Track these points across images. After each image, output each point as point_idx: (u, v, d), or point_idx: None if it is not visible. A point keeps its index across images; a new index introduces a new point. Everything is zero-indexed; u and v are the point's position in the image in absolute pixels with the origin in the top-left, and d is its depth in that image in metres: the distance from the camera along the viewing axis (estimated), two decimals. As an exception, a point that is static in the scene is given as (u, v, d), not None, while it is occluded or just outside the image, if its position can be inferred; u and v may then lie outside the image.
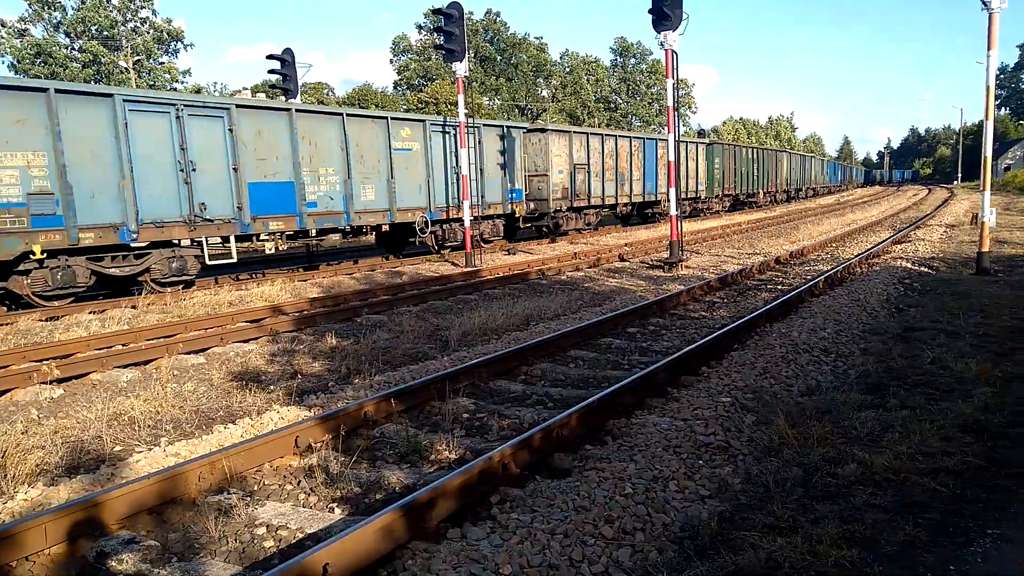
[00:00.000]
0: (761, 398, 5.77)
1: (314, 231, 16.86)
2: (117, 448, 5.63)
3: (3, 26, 48.89)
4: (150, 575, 3.70)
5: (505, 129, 22.28)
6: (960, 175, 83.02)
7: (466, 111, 17.72)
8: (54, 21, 50.65)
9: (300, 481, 4.82)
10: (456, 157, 19.72)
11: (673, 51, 14.95)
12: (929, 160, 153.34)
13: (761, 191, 44.74)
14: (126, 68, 49.80)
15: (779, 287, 12.32)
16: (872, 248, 16.93)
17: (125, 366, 8.37)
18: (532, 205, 23.82)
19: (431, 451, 5.20)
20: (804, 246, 18.26)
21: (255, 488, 4.75)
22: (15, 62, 48.18)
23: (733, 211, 39.51)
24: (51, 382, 7.57)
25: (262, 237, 15.55)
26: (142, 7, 53.17)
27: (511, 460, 4.49)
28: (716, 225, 27.71)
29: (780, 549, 3.42)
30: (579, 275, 15.10)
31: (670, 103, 15.55)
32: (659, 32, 14.88)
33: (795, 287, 11.70)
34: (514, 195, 22.58)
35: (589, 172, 25.87)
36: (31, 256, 12.03)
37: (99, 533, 4.03)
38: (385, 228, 18.33)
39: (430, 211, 19.36)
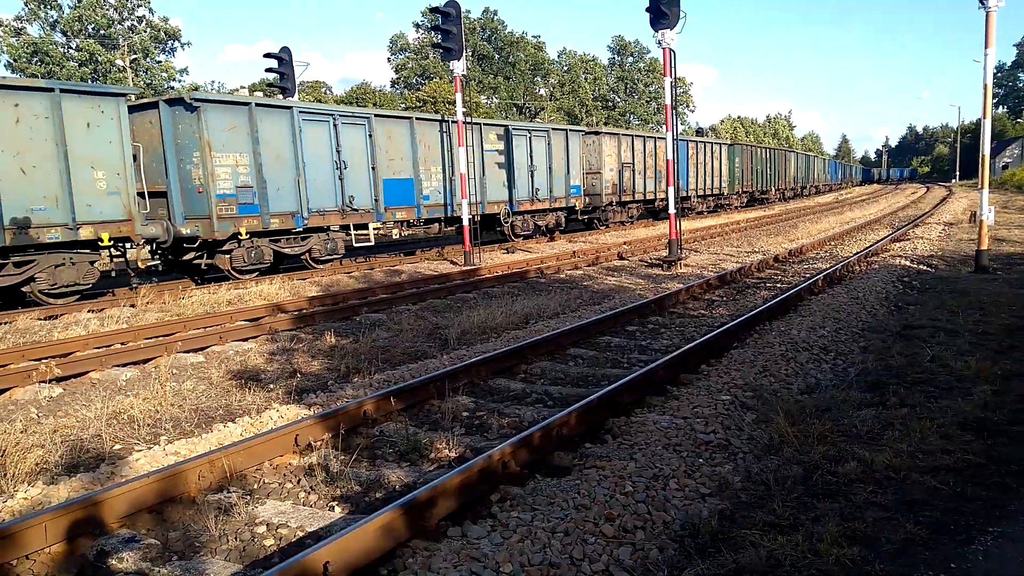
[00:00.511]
0: (761, 396, 5.77)
1: (423, 219, 20.41)
2: (117, 447, 5.62)
3: (0, 25, 48.80)
4: (151, 574, 3.69)
5: (568, 133, 25.07)
6: (958, 173, 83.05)
7: (465, 110, 17.73)
8: (51, 20, 50.57)
9: (300, 480, 4.81)
10: (531, 158, 23.05)
11: (671, 50, 14.95)
12: (927, 158, 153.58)
13: (773, 188, 48.10)
14: (123, 67, 49.70)
15: (778, 285, 12.33)
16: (871, 246, 16.94)
17: (124, 365, 8.36)
18: (588, 199, 26.57)
19: (431, 449, 5.20)
20: (803, 244, 18.27)
21: (255, 486, 4.74)
22: (11, 61, 48.10)
23: (748, 207, 41.52)
24: (50, 381, 7.56)
25: (389, 224, 19.82)
26: (139, 5, 53.15)
27: (511, 458, 4.49)
28: (715, 224, 27.74)
29: (781, 547, 3.42)
30: (578, 273, 15.10)
31: (668, 102, 15.56)
32: (657, 31, 14.87)
33: (794, 285, 11.71)
34: (574, 191, 25.44)
35: (634, 170, 28.94)
36: (238, 237, 15.00)
37: (99, 532, 4.03)
38: (477, 219, 20.03)
39: (511, 204, 22.26)
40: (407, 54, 73.08)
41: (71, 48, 50.76)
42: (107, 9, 51.51)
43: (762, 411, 5.41)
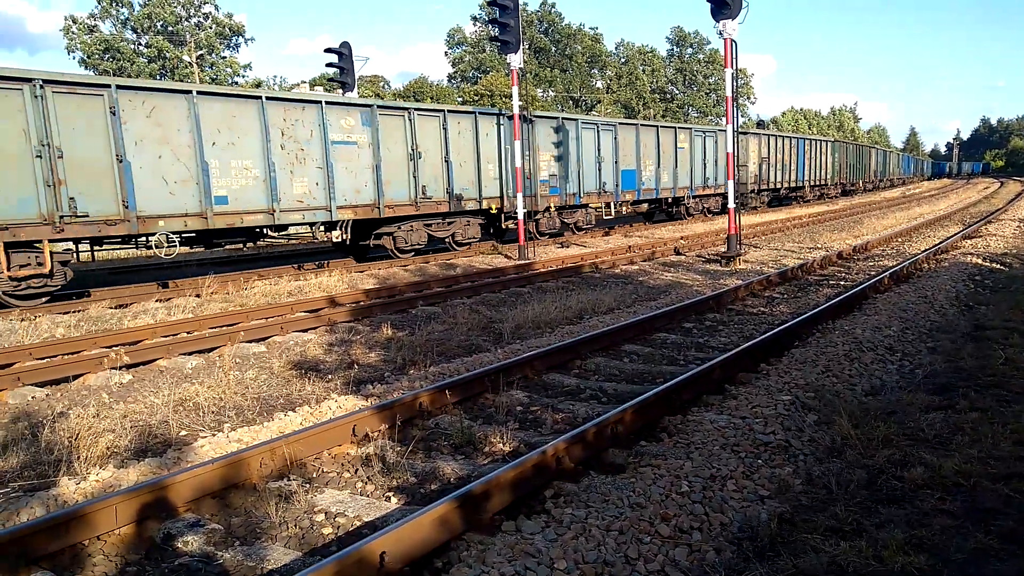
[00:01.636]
0: (823, 397, 5.62)
1: (641, 200, 26.28)
2: (183, 433, 5.81)
3: (74, 22, 50.77)
4: (214, 557, 3.81)
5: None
6: (1035, 167, 79.43)
7: (521, 103, 17.72)
8: (122, 17, 52.38)
9: (357, 470, 4.89)
10: (716, 152, 29.66)
11: (732, 40, 14.64)
12: (1001, 152, 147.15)
13: (860, 181, 54.67)
14: (189, 63, 51.22)
15: (842, 283, 11.99)
16: (940, 243, 16.34)
17: (190, 353, 8.63)
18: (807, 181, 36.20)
19: (485, 443, 5.22)
20: (868, 240, 17.71)
21: (314, 475, 4.84)
22: (85, 57, 50.00)
23: (842, 196, 46.26)
24: (121, 368, 7.86)
25: (621, 203, 25.28)
26: (205, 2, 54.63)
27: (565, 454, 4.48)
28: (776, 219, 27.15)
29: (843, 553, 3.33)
30: (633, 268, 14.97)
31: (729, 94, 15.25)
32: (718, 21, 14.56)
33: (859, 283, 11.38)
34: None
35: (770, 164, 34.73)
36: (549, 210, 21.55)
37: (166, 515, 4.17)
38: (670, 199, 27.35)
39: (691, 189, 28.51)
40: (464, 48, 73.39)
41: (141, 45, 52.50)
42: (175, 6, 53.10)
43: (824, 412, 5.27)
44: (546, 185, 21.13)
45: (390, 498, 4.45)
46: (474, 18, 72.55)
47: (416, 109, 17.88)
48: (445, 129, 18.10)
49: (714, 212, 30.21)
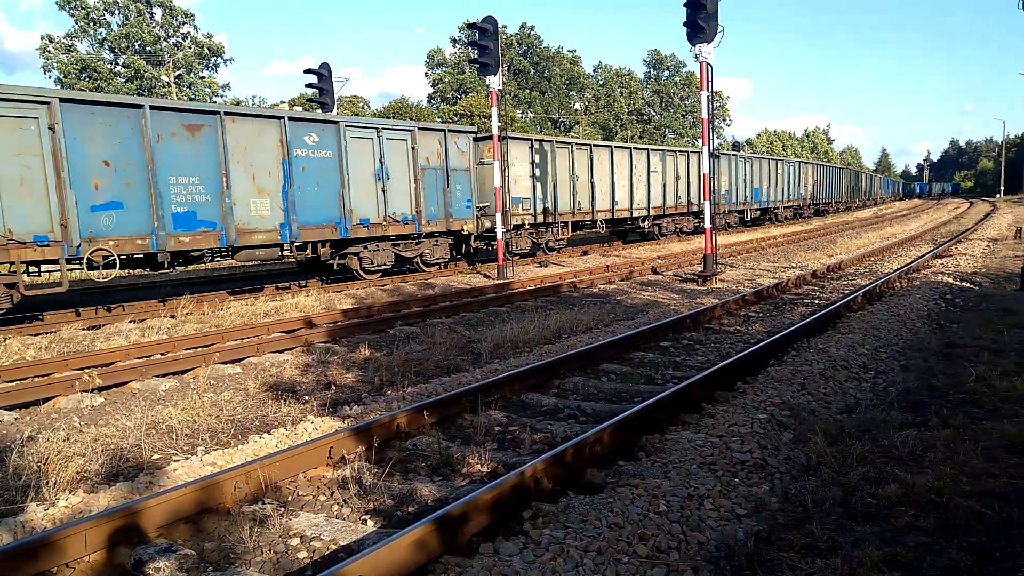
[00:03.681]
0: (798, 415, 5.67)
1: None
2: (155, 456, 5.72)
3: (51, 41, 50.36)
4: (186, 584, 3.74)
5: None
6: (1002, 188, 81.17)
7: (500, 124, 17.82)
8: (99, 37, 52.05)
9: (334, 492, 4.84)
10: (735, 176, 34.74)
11: (708, 64, 14.87)
12: (970, 173, 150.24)
13: (856, 200, 63.33)
14: (168, 83, 50.95)
15: (816, 302, 12.13)
16: (912, 262, 16.60)
17: (164, 375, 8.51)
18: (793, 202, 43.34)
19: (463, 464, 5.19)
20: (842, 260, 17.97)
21: (289, 498, 4.78)
22: (61, 77, 49.59)
23: (807, 219, 48.39)
24: (92, 390, 7.73)
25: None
26: (184, 23, 54.45)
27: (543, 475, 4.46)
28: (751, 239, 27.44)
29: (819, 571, 3.34)
30: (611, 288, 15.03)
31: (705, 116, 15.46)
32: (694, 45, 14.81)
33: (833, 302, 11.51)
34: (755, 197, 37.82)
35: (797, 184, 43.84)
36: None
37: (137, 541, 4.09)
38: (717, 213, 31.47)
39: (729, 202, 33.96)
40: (444, 69, 73.73)
41: (118, 64, 52.17)
42: (153, 26, 52.89)
43: (800, 430, 5.31)
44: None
45: (367, 521, 4.41)
46: (454, 40, 73.01)
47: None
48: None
49: (731, 225, 33.82)
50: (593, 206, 24.86)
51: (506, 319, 11.25)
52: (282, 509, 4.57)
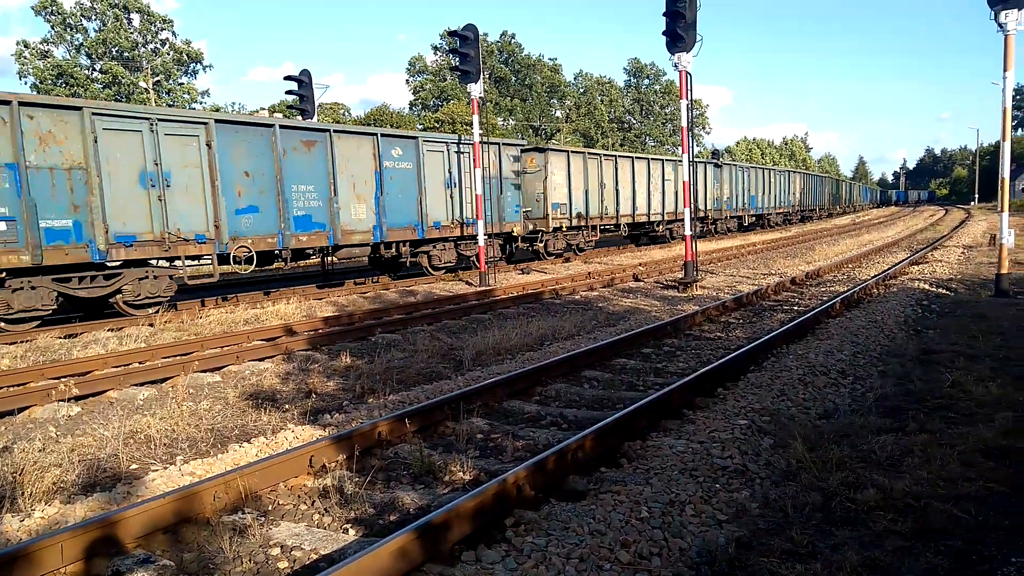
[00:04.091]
0: (778, 421, 5.72)
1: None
2: (133, 466, 5.65)
3: (27, 47, 49.80)
4: (165, 595, 3.69)
5: (754, 169, 38.57)
6: (977, 196, 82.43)
7: (481, 132, 17.86)
8: (76, 43, 51.54)
9: (314, 501, 4.81)
10: (735, 183, 37.66)
11: (687, 72, 14.99)
12: (946, 180, 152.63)
13: (838, 207, 66.70)
14: (146, 89, 50.52)
15: (795, 308, 12.24)
16: (889, 269, 16.81)
17: (142, 384, 8.42)
18: (783, 208, 45.83)
19: (445, 472, 5.18)
20: (820, 267, 18.15)
21: (270, 508, 4.74)
22: (37, 83, 49.02)
23: (780, 227, 48.93)
24: (69, 400, 7.62)
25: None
26: (162, 29, 54.06)
27: (525, 482, 4.46)
28: (731, 245, 27.66)
29: (799, 576, 3.37)
30: (593, 295, 15.08)
31: (684, 124, 15.58)
32: (673, 54, 14.91)
33: (812, 308, 11.63)
34: (751, 203, 40.21)
35: (787, 192, 46.41)
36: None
37: (115, 552, 4.04)
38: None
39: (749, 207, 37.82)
40: (425, 76, 73.73)
41: (95, 70, 51.67)
42: (131, 32, 52.46)
43: (779, 436, 5.36)
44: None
45: (348, 530, 4.38)
46: (435, 48, 73.06)
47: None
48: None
49: (730, 229, 36.04)
50: (618, 211, 26.92)
51: (488, 326, 11.25)
52: (262, 519, 4.53)
